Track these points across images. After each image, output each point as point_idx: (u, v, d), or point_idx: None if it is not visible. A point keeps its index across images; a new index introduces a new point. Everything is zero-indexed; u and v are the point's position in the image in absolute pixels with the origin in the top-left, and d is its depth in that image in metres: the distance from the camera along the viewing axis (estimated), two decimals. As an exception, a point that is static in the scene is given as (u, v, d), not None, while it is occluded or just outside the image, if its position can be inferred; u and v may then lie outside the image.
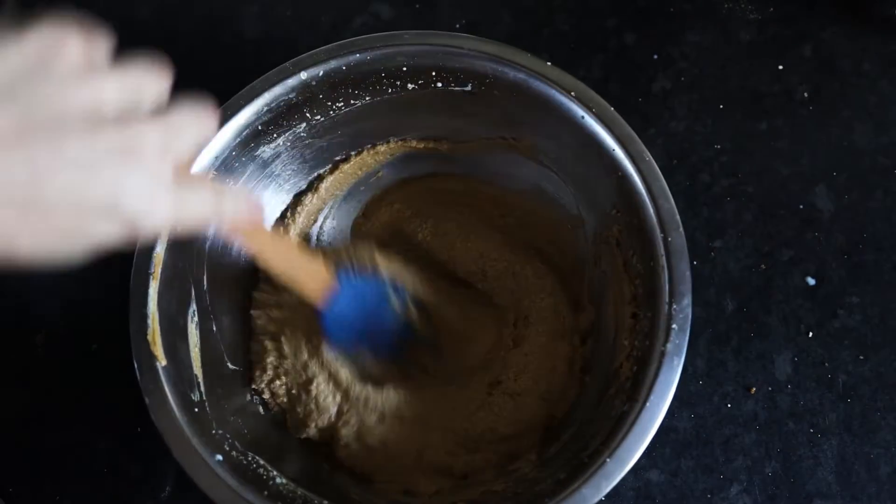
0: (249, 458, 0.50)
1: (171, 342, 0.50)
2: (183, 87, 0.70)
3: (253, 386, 0.57)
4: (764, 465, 0.58)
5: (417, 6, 0.71)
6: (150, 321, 0.49)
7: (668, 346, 0.48)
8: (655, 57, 0.69)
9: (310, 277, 0.53)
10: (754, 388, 0.59)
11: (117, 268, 0.64)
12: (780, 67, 0.69)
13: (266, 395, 0.57)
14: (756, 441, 0.58)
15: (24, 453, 0.60)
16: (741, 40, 0.70)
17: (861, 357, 0.60)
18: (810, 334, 0.61)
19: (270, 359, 0.57)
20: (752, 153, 0.66)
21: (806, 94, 0.68)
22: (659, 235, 0.50)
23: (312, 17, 0.71)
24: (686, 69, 0.69)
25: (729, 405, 0.59)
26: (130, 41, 0.73)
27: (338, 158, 0.62)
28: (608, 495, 0.57)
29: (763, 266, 0.63)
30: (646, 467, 0.58)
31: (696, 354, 0.51)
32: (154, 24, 0.72)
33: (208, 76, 0.70)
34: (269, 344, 0.57)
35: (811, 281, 0.62)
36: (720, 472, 0.58)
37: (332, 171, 0.62)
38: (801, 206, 0.64)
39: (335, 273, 0.55)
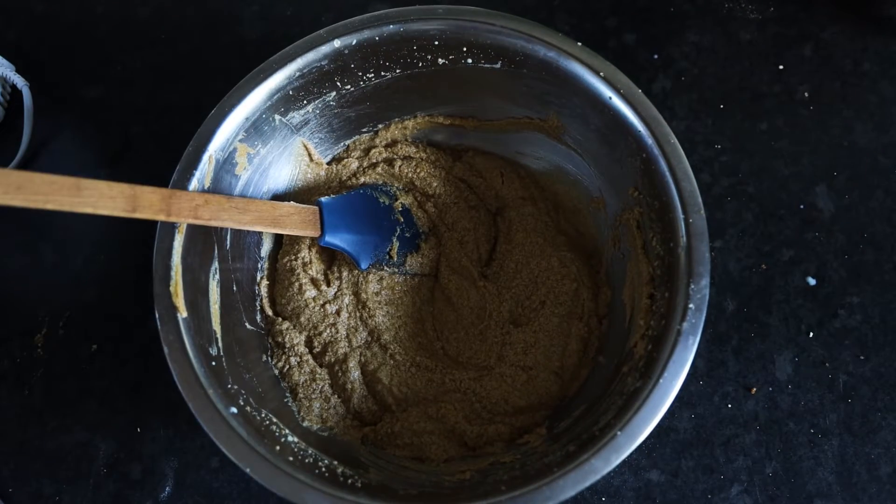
0: (263, 415, 0.50)
1: (193, 296, 0.51)
2: (183, 86, 0.71)
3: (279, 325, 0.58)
4: (764, 466, 0.58)
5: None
6: (173, 273, 0.50)
7: (685, 325, 0.48)
8: (655, 57, 0.69)
9: (292, 216, 0.55)
10: (755, 389, 0.59)
11: (117, 269, 0.65)
12: (780, 67, 0.69)
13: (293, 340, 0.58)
14: (756, 441, 0.58)
15: (24, 453, 0.60)
16: (741, 40, 0.70)
17: (861, 357, 0.60)
18: (811, 334, 0.61)
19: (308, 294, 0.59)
20: (753, 153, 0.66)
21: (806, 94, 0.68)
22: (680, 217, 0.50)
23: (312, 17, 0.72)
24: (686, 69, 0.69)
25: (729, 405, 0.59)
26: (130, 41, 0.73)
27: (364, 130, 0.63)
28: (609, 495, 0.57)
29: (763, 266, 0.63)
30: (646, 467, 0.58)
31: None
32: (154, 24, 0.72)
33: (208, 76, 0.70)
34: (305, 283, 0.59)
35: (811, 281, 0.62)
36: (720, 472, 0.58)
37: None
38: (802, 206, 0.64)
39: (316, 202, 0.58)
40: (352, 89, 0.58)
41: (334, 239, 0.58)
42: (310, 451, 0.50)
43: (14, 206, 0.40)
